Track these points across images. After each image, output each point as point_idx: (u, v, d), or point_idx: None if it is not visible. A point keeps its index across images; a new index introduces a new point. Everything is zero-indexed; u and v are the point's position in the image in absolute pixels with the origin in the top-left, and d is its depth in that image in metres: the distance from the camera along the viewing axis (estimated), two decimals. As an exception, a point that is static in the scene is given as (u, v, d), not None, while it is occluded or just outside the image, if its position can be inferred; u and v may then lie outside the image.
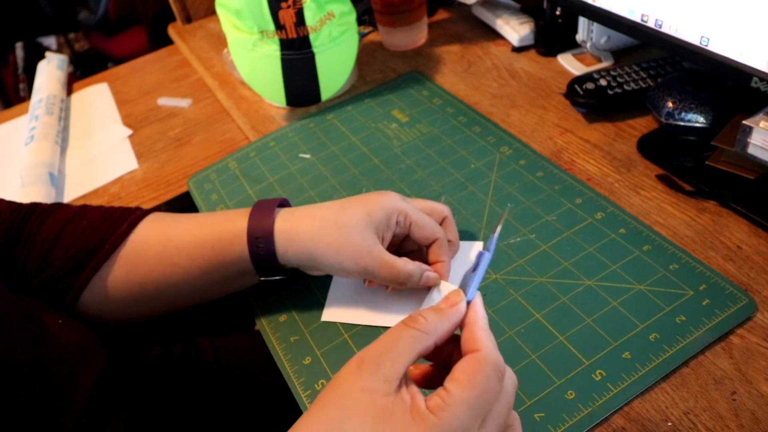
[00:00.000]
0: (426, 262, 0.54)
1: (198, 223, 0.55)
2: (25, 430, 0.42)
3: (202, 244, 0.53)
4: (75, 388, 0.48)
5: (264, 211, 0.53)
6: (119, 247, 0.54)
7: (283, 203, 0.56)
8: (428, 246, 0.53)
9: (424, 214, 0.53)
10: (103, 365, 0.51)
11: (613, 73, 0.73)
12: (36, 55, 1.91)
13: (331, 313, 0.56)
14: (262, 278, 0.55)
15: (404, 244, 0.56)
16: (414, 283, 0.51)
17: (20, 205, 0.58)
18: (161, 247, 0.54)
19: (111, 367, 0.53)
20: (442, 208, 0.55)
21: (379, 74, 0.89)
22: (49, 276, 0.53)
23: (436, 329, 0.36)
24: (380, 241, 0.51)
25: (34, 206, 0.57)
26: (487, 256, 0.40)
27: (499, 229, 0.41)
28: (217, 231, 0.53)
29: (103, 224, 0.55)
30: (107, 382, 0.51)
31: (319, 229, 0.51)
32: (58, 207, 0.57)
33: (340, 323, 0.55)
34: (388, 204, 0.52)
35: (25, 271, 0.54)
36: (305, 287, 0.59)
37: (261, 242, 0.51)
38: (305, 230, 0.51)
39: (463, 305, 0.38)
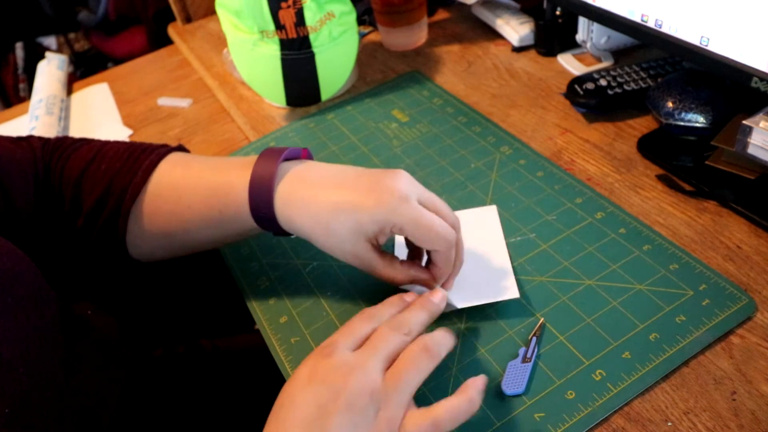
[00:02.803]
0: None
1: (205, 182, 0.55)
2: (65, 422, 0.42)
3: (210, 207, 0.54)
4: (109, 382, 0.48)
5: (264, 174, 0.51)
6: (139, 197, 0.56)
7: (293, 155, 0.54)
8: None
9: (427, 221, 0.47)
10: (132, 360, 0.51)
11: (613, 73, 0.73)
12: (36, 55, 1.91)
13: None
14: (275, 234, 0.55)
15: None
16: (402, 282, 0.51)
17: (48, 141, 0.60)
18: (174, 205, 0.55)
19: (137, 362, 0.53)
20: (449, 233, 0.49)
21: (379, 74, 0.89)
22: (84, 218, 0.56)
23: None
24: (373, 246, 0.50)
25: (59, 142, 0.59)
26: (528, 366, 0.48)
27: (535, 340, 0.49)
28: (222, 194, 0.53)
29: (120, 170, 0.56)
30: (136, 378, 0.52)
31: (311, 228, 0.50)
32: (80, 145, 0.59)
33: (340, 325, 0.55)
34: (381, 216, 0.47)
35: (62, 209, 0.56)
36: (305, 288, 0.59)
37: (264, 215, 0.51)
38: (301, 223, 0.51)
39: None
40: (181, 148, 0.60)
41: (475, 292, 0.53)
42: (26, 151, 0.57)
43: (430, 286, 0.51)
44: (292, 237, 0.54)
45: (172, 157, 0.58)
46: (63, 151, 0.58)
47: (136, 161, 0.57)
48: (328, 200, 0.49)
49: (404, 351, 0.43)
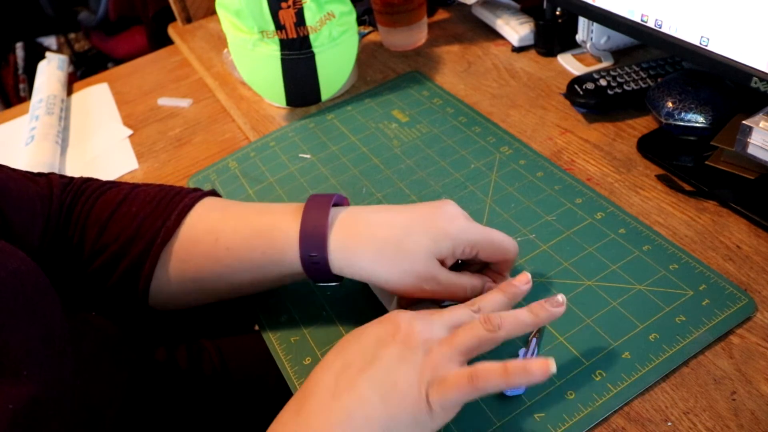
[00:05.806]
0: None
1: (247, 223, 0.53)
2: (71, 421, 0.42)
3: (253, 248, 0.51)
4: (114, 382, 0.48)
5: (316, 218, 0.50)
6: (171, 240, 0.53)
7: (338, 202, 0.53)
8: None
9: (491, 234, 0.50)
10: (134, 360, 0.51)
11: (613, 73, 0.73)
12: (36, 55, 1.91)
13: None
14: (318, 284, 0.53)
15: None
16: (472, 296, 0.51)
17: (71, 180, 0.57)
18: (210, 247, 0.53)
19: (140, 363, 0.53)
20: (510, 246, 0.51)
21: (379, 74, 0.89)
22: (103, 264, 0.53)
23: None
24: (443, 265, 0.50)
25: (86, 184, 0.57)
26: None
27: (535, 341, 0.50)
28: (268, 235, 0.51)
29: (152, 213, 0.54)
30: (139, 378, 0.52)
31: (379, 253, 0.49)
32: (108, 187, 0.57)
33: (340, 323, 0.55)
34: (456, 234, 0.49)
35: (81, 253, 0.54)
36: (305, 287, 0.59)
37: (315, 258, 0.50)
38: (364, 254, 0.49)
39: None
40: (213, 193, 0.59)
41: None
42: (42, 188, 0.54)
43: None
44: (333, 285, 0.53)
45: (208, 201, 0.56)
46: (92, 193, 0.55)
47: (169, 204, 0.54)
48: (397, 223, 0.50)
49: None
